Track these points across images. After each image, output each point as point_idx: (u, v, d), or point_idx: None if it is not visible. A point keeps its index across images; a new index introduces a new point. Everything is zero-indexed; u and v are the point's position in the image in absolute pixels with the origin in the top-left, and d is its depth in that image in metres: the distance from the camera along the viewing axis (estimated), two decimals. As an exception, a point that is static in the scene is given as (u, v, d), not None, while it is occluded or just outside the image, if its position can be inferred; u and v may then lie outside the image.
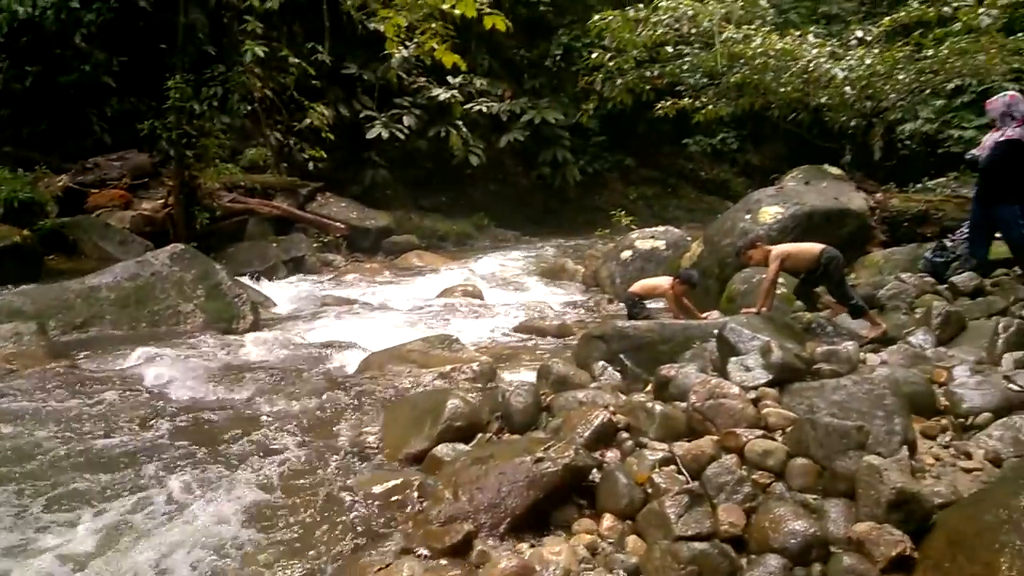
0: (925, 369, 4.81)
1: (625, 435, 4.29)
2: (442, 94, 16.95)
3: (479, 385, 5.86)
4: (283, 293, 10.90)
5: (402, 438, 4.79)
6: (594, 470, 3.92)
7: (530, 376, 5.96)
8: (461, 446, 4.57)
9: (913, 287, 6.48)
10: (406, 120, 16.95)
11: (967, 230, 6.90)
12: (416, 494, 4.08)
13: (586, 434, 4.21)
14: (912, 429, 3.96)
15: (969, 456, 3.93)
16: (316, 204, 15.45)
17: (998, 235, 6.49)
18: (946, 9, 9.94)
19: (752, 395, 4.36)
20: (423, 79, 17.09)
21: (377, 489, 4.18)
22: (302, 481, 4.41)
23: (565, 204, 20.94)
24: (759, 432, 3.98)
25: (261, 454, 4.77)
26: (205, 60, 13.02)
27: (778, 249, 6.15)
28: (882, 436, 3.81)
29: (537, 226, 19.71)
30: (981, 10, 9.45)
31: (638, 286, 7.86)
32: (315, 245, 14.08)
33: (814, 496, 3.52)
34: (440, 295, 10.81)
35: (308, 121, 13.97)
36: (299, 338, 8.13)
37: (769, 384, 4.48)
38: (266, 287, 11.18)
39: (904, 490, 3.20)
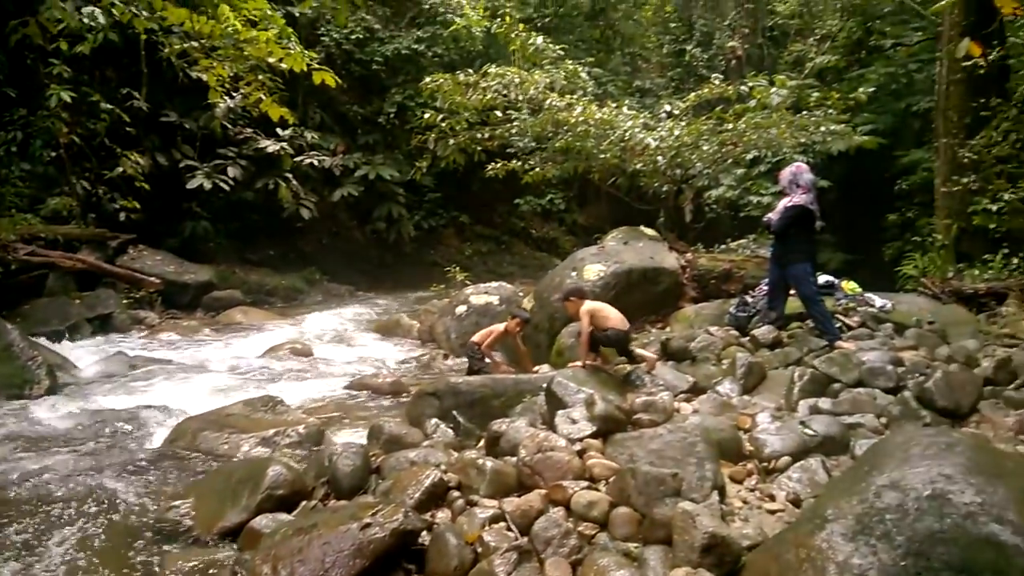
0: (732, 416, 5.17)
1: (456, 494, 4.25)
2: (271, 146, 16.50)
3: (305, 449, 5.61)
4: (86, 354, 9.94)
5: (216, 511, 4.45)
6: (424, 532, 3.84)
7: (361, 437, 5.78)
8: (283, 516, 4.31)
9: (720, 340, 6.98)
10: (231, 171, 16.29)
11: (766, 287, 7.57)
12: (230, 572, 3.79)
13: (416, 495, 4.13)
14: (721, 474, 4.23)
15: (773, 498, 4.23)
16: (128, 257, 14.32)
17: (793, 291, 7.17)
18: (743, 88, 11.06)
19: (578, 447, 4.48)
20: (250, 130, 16.57)
21: (187, 567, 3.85)
22: (100, 564, 3.96)
23: (400, 259, 20.86)
24: (584, 483, 4.08)
25: (54, 536, 4.25)
26: (4, 103, 11.90)
27: (586, 306, 6.47)
28: (695, 482, 4.04)
29: (372, 281, 19.46)
30: (772, 90, 10.61)
31: (479, 335, 7.96)
32: (125, 301, 13.03)
33: (635, 544, 3.63)
34: (266, 353, 10.32)
35: (120, 169, 13.05)
36: (103, 404, 7.42)
37: (594, 435, 4.63)
38: (67, 348, 10.16)
39: (715, 534, 3.38)
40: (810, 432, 4.70)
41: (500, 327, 8.03)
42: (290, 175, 17.07)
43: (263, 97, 7.85)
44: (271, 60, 7.38)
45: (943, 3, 10.15)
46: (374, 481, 4.70)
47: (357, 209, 20.10)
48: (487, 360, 7.82)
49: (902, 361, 5.86)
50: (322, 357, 10.36)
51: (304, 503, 4.52)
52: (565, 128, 11.13)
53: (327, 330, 12.69)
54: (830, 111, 10.66)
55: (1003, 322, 7.80)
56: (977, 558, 2.88)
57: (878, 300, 7.86)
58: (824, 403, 5.25)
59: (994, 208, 9.97)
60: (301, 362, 9.87)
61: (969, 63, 9.33)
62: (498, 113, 12.01)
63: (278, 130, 16.14)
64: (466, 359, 8.17)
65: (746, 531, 3.68)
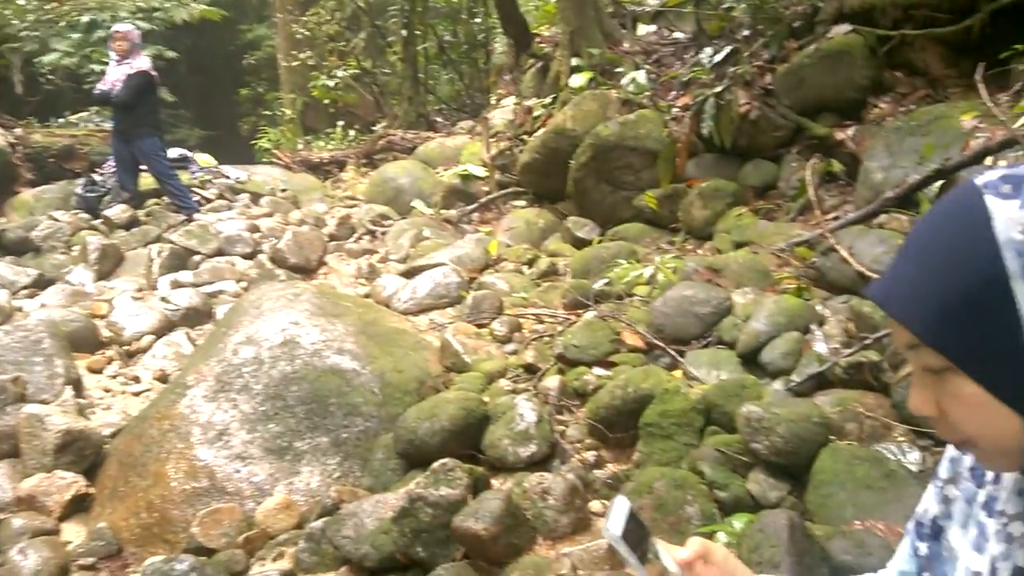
0: (86, 305, 4.73)
1: None
2: None
3: None
4: None
5: None
6: None
7: None
8: None
9: (68, 225, 6.24)
10: None
11: (115, 164, 6.97)
12: None
13: None
14: (76, 367, 3.86)
15: (138, 380, 4.07)
16: None
17: (144, 167, 6.75)
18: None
19: None
20: None
21: None
22: None
23: None
24: None
25: None
26: None
27: None
28: (44, 382, 3.59)
29: None
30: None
31: None
32: None
33: (-30, 470, 3.09)
34: None
35: None
36: None
37: None
38: None
39: (70, 430, 3.10)
40: (172, 307, 4.62)
41: None
42: None
43: None
44: None
45: None
46: None
47: None
48: None
49: (258, 228, 6.16)
50: None
51: None
52: None
53: None
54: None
55: (344, 186, 8.84)
56: (325, 387, 3.28)
57: (233, 172, 8.02)
58: (185, 276, 5.19)
59: (331, 84, 10.99)
60: None
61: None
62: None
63: None
64: None
65: (109, 419, 3.49)
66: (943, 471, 0.85)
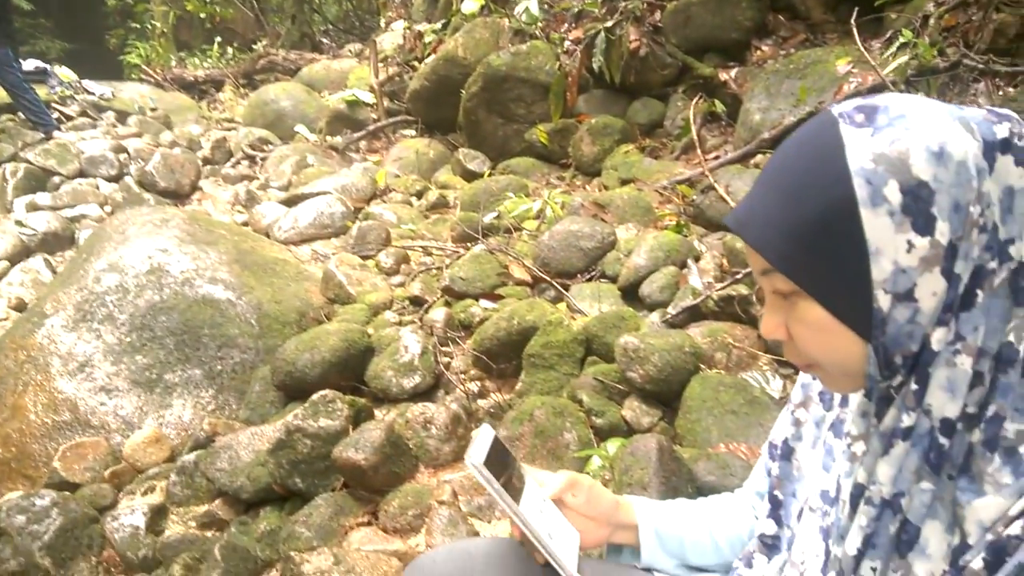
0: (-73, 228, 4.31)
1: None
2: None
3: None
4: None
5: None
6: None
7: None
8: None
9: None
10: None
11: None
12: None
13: None
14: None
15: (-9, 309, 3.78)
16: None
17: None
18: None
19: None
20: None
21: None
22: None
23: None
24: None
25: None
26: None
27: None
28: None
29: None
30: None
31: None
32: None
33: None
34: None
35: None
36: None
37: None
38: None
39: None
40: (29, 231, 4.28)
41: None
42: None
43: None
44: None
45: None
46: None
47: None
48: None
49: (125, 149, 5.75)
50: None
51: None
52: None
53: None
54: None
55: (222, 107, 8.35)
56: (197, 318, 3.14)
57: (97, 88, 7.42)
58: (43, 198, 4.82)
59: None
60: None
61: None
62: None
63: None
64: None
65: (-45, 351, 3.20)
66: (795, 396, 0.89)
